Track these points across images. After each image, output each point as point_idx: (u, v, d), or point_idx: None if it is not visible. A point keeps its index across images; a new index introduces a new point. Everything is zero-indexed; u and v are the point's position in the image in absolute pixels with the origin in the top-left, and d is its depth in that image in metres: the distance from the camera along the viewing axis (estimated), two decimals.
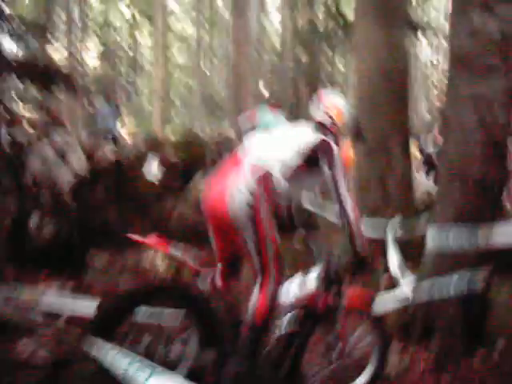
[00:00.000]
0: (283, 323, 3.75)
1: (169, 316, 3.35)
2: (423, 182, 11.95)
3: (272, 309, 3.54)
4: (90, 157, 8.09)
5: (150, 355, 3.20)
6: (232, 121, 18.05)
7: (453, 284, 4.92)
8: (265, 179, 3.53)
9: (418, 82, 48.42)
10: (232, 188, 3.46)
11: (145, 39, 38.93)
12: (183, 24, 41.45)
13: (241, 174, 3.54)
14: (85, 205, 7.33)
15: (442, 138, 5.59)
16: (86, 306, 4.54)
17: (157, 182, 8.58)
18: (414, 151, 15.75)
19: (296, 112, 29.41)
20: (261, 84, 31.06)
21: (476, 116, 5.02)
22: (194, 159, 9.84)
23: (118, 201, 7.81)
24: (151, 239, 3.66)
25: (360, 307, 4.12)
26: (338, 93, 4.21)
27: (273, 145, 3.81)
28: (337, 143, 3.84)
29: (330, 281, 3.84)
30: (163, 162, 8.95)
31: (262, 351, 3.60)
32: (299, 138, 3.80)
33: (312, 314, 3.82)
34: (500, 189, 5.23)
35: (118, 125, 14.43)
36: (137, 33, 37.47)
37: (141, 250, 7.00)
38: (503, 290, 5.29)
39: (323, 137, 3.80)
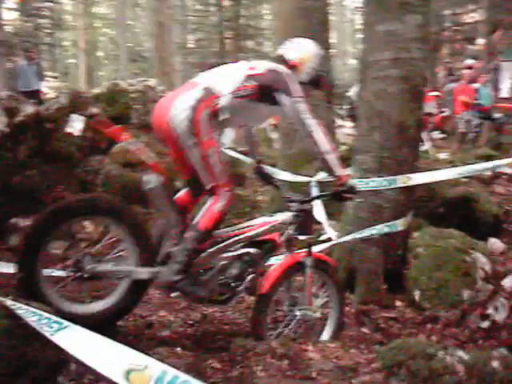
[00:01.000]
0: (238, 251, 3.84)
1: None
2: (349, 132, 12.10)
3: (219, 222, 3.66)
4: (10, 114, 7.86)
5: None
6: (157, 71, 17.78)
7: (375, 230, 5.09)
8: (210, 99, 3.60)
9: (347, 32, 48.86)
10: (176, 104, 3.57)
11: None
12: None
13: (188, 93, 3.63)
14: (6, 165, 7.15)
15: (360, 77, 5.63)
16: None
17: (82, 141, 8.40)
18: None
19: (221, 57, 29.28)
20: (185, 32, 30.65)
21: (391, 52, 5.12)
22: (120, 113, 9.67)
23: (42, 161, 7.65)
24: (113, 128, 3.66)
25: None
26: (312, 42, 4.16)
27: (226, 71, 3.89)
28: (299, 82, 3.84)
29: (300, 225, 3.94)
30: (88, 119, 8.77)
31: (197, 264, 3.71)
32: (250, 64, 3.88)
33: (270, 249, 3.96)
34: (417, 128, 5.38)
35: (40, 80, 14.05)
36: None
37: None
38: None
39: (278, 67, 3.84)
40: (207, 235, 3.67)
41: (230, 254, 3.82)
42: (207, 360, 3.26)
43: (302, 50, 4.00)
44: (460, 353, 3.23)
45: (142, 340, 3.59)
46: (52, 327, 2.31)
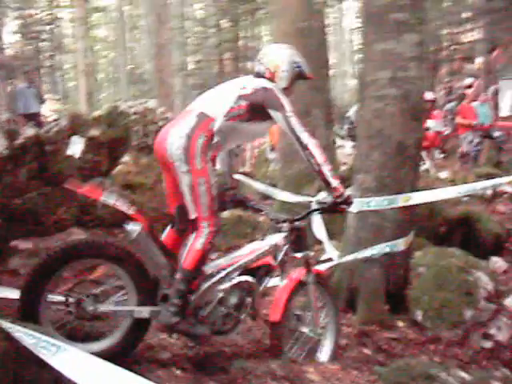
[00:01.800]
0: (234, 280, 3.83)
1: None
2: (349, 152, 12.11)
3: (202, 259, 3.66)
4: (10, 137, 7.88)
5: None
6: (157, 93, 17.85)
7: (376, 249, 5.07)
8: (205, 124, 3.64)
9: (346, 52, 49.17)
10: (172, 133, 3.63)
11: (64, 13, 37.78)
12: None
13: (185, 120, 3.69)
14: (6, 187, 7.15)
15: (359, 96, 5.66)
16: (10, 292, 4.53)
17: (82, 163, 8.41)
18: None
19: (220, 80, 29.41)
20: (185, 54, 30.80)
21: (389, 71, 5.14)
22: (121, 136, 9.69)
23: (42, 183, 7.65)
24: (85, 188, 3.70)
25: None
26: (278, 44, 4.26)
27: (218, 93, 3.92)
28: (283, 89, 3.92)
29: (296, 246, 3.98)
30: (89, 141, 8.78)
31: (193, 300, 3.70)
32: (240, 83, 3.90)
33: (266, 273, 3.95)
34: (417, 147, 5.37)
35: (40, 103, 14.10)
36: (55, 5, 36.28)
37: (67, 235, 6.92)
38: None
39: (264, 83, 3.87)
40: (194, 274, 3.67)
41: (227, 284, 3.81)
42: (207, 382, 3.23)
43: (269, 59, 4.04)
44: (462, 373, 3.22)
45: (141, 363, 3.55)
46: (50, 350, 2.29)
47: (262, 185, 6.91)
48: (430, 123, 12.01)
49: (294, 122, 3.67)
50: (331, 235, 6.08)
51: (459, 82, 20.72)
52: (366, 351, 4.50)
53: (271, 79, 3.96)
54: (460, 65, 26.73)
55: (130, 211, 3.62)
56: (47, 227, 7.14)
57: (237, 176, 8.83)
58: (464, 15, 26.23)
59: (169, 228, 3.99)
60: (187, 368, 3.66)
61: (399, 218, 5.21)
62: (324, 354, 4.13)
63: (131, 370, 2.18)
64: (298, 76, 4.09)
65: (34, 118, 12.61)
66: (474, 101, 14.98)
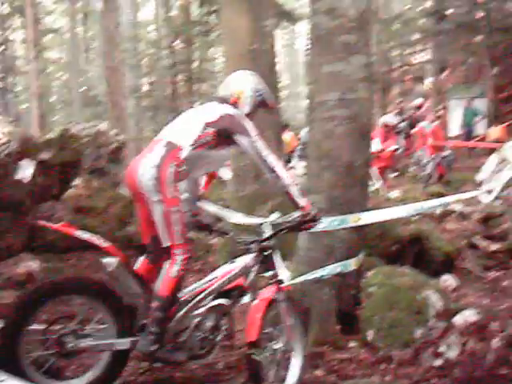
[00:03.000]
0: (209, 304, 3.89)
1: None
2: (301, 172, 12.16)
3: (177, 286, 3.72)
4: None
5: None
6: (110, 115, 17.71)
7: (327, 270, 5.08)
8: (173, 153, 3.71)
9: (299, 73, 49.66)
10: (142, 164, 3.70)
11: (15, 34, 37.39)
12: (55, 16, 40.28)
13: (153, 150, 3.75)
14: None
15: (308, 118, 5.71)
16: None
17: (32, 187, 8.27)
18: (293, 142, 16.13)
19: (173, 100, 29.35)
20: (138, 75, 30.66)
21: (337, 93, 5.21)
22: (72, 159, 9.58)
23: None
24: (59, 225, 3.78)
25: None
26: (243, 71, 4.34)
27: (184, 121, 4.01)
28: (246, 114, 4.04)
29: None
30: (39, 165, 8.65)
31: (170, 328, 3.76)
32: (206, 111, 4.00)
33: (239, 294, 4.03)
34: (366, 167, 5.44)
35: None
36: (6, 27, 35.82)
37: (17, 260, 6.80)
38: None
39: (228, 109, 3.97)
40: (170, 302, 3.71)
41: (202, 309, 3.87)
42: None
43: (233, 85, 4.16)
44: None
45: None
46: None
47: (214, 207, 6.86)
48: (387, 144, 12.19)
49: (260, 145, 3.80)
50: (282, 256, 6.08)
51: (410, 103, 21.08)
52: (318, 372, 4.50)
53: (235, 104, 4.05)
54: (411, 85, 27.23)
55: (105, 244, 3.65)
56: None
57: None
58: (414, 37, 26.79)
59: (142, 258, 4.03)
60: None
61: (350, 238, 5.25)
62: (290, 378, 4.13)
63: None
64: (260, 104, 4.22)
65: None
66: (422, 120, 15.31)
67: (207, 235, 6.18)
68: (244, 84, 4.14)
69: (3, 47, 33.85)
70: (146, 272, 3.95)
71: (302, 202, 3.82)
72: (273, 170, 3.75)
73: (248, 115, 4.07)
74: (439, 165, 14.41)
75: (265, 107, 4.30)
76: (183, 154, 3.72)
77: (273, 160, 3.77)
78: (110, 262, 3.66)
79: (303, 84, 44.64)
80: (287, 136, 15.31)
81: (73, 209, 8.48)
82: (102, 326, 3.69)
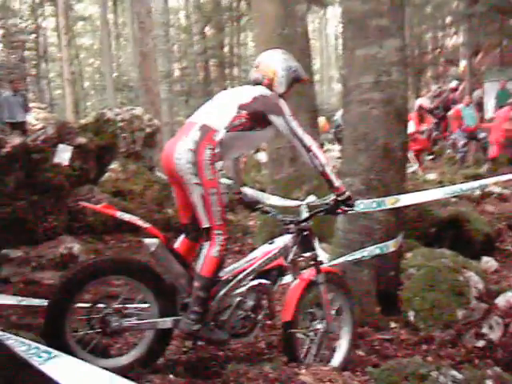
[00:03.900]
0: (249, 284, 3.89)
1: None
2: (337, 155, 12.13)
3: (219, 266, 3.74)
4: None
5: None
6: (143, 100, 17.78)
7: (366, 252, 5.07)
8: (209, 136, 3.69)
9: (332, 57, 49.45)
10: (178, 149, 3.68)
11: (47, 22, 37.68)
12: (85, 3, 40.49)
13: (188, 134, 3.73)
14: None
15: (343, 101, 5.67)
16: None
17: (70, 171, 8.37)
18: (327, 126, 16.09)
19: (206, 85, 29.45)
20: (170, 61, 30.80)
21: (372, 76, 5.17)
22: (108, 143, 9.68)
23: (31, 191, 7.61)
24: (100, 207, 3.80)
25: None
26: (272, 50, 4.27)
27: (218, 104, 3.99)
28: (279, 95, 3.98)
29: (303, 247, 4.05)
30: (76, 149, 8.75)
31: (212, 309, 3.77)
32: (239, 93, 3.99)
33: (279, 274, 4.02)
34: (403, 149, 5.39)
35: (26, 111, 14.00)
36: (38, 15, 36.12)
37: (58, 243, 6.89)
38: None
39: (262, 91, 3.94)
40: (212, 281, 3.73)
41: (242, 289, 3.88)
42: None
43: (265, 66, 4.09)
44: (454, 372, 3.22)
45: (134, 368, 3.54)
46: (41, 357, 2.27)
47: (250, 190, 6.90)
48: (423, 128, 12.11)
49: (295, 125, 3.76)
50: (320, 238, 6.08)
51: (444, 86, 20.84)
52: (359, 352, 4.49)
53: (269, 86, 4.02)
54: (444, 68, 26.91)
55: (146, 225, 3.68)
56: (37, 235, 7.12)
57: (225, 180, 8.87)
58: (447, 20, 26.44)
59: (182, 237, 4.05)
60: (180, 372, 3.68)
61: (388, 220, 5.21)
62: (336, 358, 4.17)
63: (124, 376, 2.17)
64: (295, 80, 4.15)
65: (19, 127, 12.53)
66: (458, 103, 15.12)
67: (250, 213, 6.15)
68: (275, 63, 4.07)
69: (36, 35, 34.19)
70: (186, 251, 3.98)
71: (337, 182, 3.79)
72: (309, 149, 3.71)
73: (283, 94, 4.03)
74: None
75: (300, 82, 4.27)
76: (218, 137, 3.70)
77: (308, 139, 3.74)
78: (152, 242, 3.68)
79: (335, 68, 44.48)
80: (320, 120, 15.26)
81: (110, 192, 8.57)
82: (144, 306, 3.72)
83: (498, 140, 13.25)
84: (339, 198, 3.82)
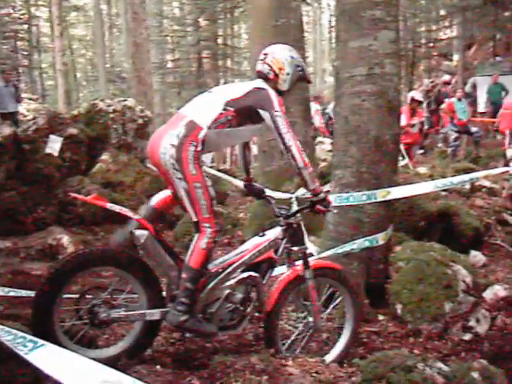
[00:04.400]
0: (239, 276, 3.90)
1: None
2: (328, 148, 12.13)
3: (207, 258, 3.73)
4: None
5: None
6: (135, 91, 17.73)
7: (355, 244, 5.09)
8: (194, 133, 3.68)
9: (325, 50, 49.42)
10: (163, 143, 3.68)
11: (40, 11, 37.50)
12: None
13: (174, 127, 3.74)
14: None
15: (336, 93, 5.64)
16: None
17: (61, 162, 8.35)
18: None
19: (199, 77, 29.38)
20: (163, 52, 30.73)
21: (365, 68, 5.17)
22: (99, 134, 9.66)
23: (21, 182, 7.61)
24: (90, 198, 3.84)
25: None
26: (282, 45, 4.24)
27: (207, 100, 3.97)
28: (278, 91, 3.98)
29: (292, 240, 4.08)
30: (67, 140, 8.73)
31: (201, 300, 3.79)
32: (231, 89, 3.99)
33: (268, 267, 4.04)
34: (394, 142, 5.40)
35: (17, 102, 13.96)
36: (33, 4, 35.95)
37: (47, 234, 6.89)
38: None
39: (259, 83, 3.96)
40: (200, 273, 3.72)
41: (232, 281, 3.89)
42: (186, 377, 3.24)
43: (273, 60, 4.05)
44: (440, 364, 3.24)
45: (121, 359, 3.55)
46: (26, 346, 2.28)
47: (241, 182, 6.91)
48: (414, 121, 12.10)
49: (281, 122, 3.74)
50: (309, 231, 6.09)
51: (437, 79, 20.86)
52: None
53: (273, 81, 4.01)
54: (437, 62, 26.94)
55: (136, 217, 3.68)
56: (26, 226, 7.12)
57: (216, 173, 8.86)
58: (441, 13, 26.45)
59: (161, 194, 4.09)
60: (167, 363, 3.70)
61: (378, 212, 5.23)
62: (331, 354, 4.20)
63: (111, 366, 2.18)
64: (299, 79, 4.16)
65: (11, 117, 12.50)
66: (450, 96, 15.14)
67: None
68: (284, 60, 4.04)
69: (28, 25, 34.04)
70: (164, 205, 4.05)
71: (312, 186, 3.79)
72: (288, 149, 3.70)
73: (285, 92, 4.04)
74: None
75: (303, 81, 4.28)
76: (202, 134, 3.70)
77: (290, 139, 3.71)
78: (141, 234, 3.69)
79: (328, 61, 44.44)
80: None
81: (101, 183, 8.56)
82: (133, 297, 3.73)
83: None
84: (314, 199, 3.85)
